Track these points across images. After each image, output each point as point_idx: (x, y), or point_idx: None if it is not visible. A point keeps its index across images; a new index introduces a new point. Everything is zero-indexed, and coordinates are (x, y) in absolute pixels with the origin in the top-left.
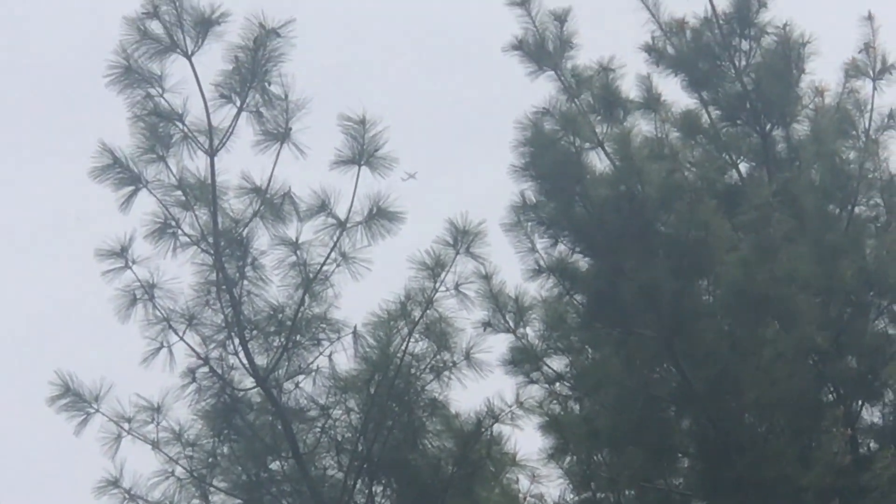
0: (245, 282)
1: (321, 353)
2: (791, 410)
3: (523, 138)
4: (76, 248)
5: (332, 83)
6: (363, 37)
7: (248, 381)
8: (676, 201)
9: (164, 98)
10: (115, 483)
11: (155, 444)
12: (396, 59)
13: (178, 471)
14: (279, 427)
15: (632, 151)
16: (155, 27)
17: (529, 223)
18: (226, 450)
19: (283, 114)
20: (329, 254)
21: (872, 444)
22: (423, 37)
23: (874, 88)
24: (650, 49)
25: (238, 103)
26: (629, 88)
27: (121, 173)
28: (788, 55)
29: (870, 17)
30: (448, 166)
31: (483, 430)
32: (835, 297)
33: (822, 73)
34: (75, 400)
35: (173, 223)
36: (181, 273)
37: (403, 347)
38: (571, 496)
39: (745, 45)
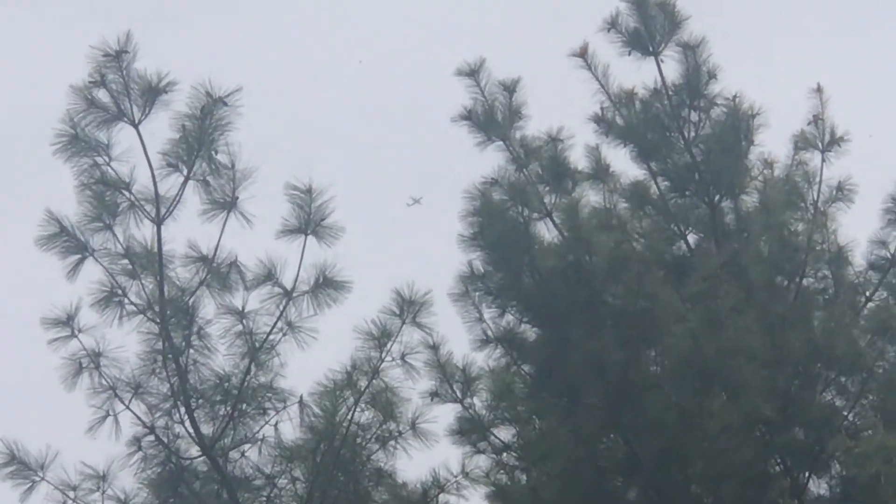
0: (191, 350)
1: (267, 422)
2: (738, 482)
3: (472, 208)
4: (23, 316)
5: (281, 148)
6: (314, 103)
7: (194, 450)
8: (624, 272)
9: (111, 167)
10: None
11: None
12: (346, 127)
13: None
14: (225, 496)
15: (580, 222)
16: (102, 96)
17: (477, 293)
18: None
19: (230, 182)
20: (275, 323)
21: None
22: (374, 104)
23: (823, 160)
24: (599, 120)
25: (185, 172)
26: (578, 159)
27: (67, 242)
28: (738, 127)
29: (819, 90)
30: (396, 235)
31: (429, 500)
32: (782, 369)
33: (772, 145)
34: (21, 468)
35: (120, 292)
36: (127, 342)
37: (349, 417)
38: None
39: (694, 116)
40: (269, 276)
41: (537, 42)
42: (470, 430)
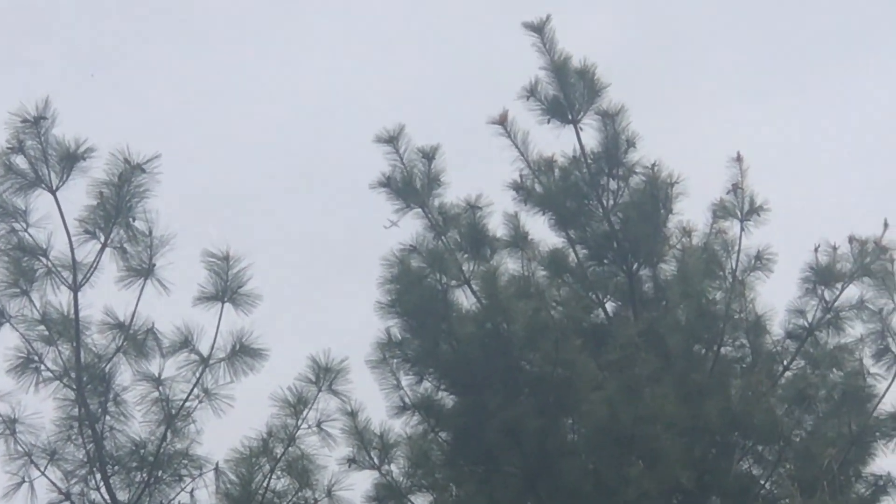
0: (107, 417)
1: (183, 490)
2: None
3: (390, 275)
4: None
5: (200, 213)
6: (233, 167)
7: None
8: (542, 340)
9: (28, 233)
10: None
11: None
12: (265, 191)
13: None
14: None
15: (498, 289)
16: (20, 162)
17: (395, 360)
18: None
19: (147, 250)
20: (191, 390)
21: None
22: (294, 168)
23: (742, 229)
24: (518, 187)
25: (102, 239)
26: (497, 226)
27: None
28: (656, 195)
29: (738, 158)
30: (313, 302)
31: None
32: (700, 437)
33: (690, 213)
34: None
35: (36, 358)
36: (43, 408)
37: (265, 484)
38: None
39: (613, 184)
40: (185, 343)
41: (458, 108)
42: (387, 497)
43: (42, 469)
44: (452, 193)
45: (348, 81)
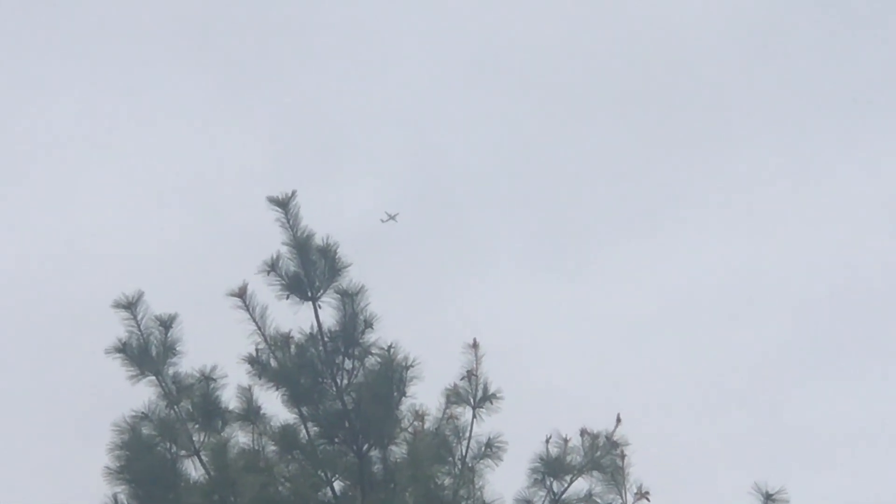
0: None
1: None
2: None
3: (120, 441)
4: None
5: None
6: None
7: None
8: None
9: None
10: None
11: None
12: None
13: None
14: None
15: (227, 462)
16: None
17: None
18: None
19: None
20: None
21: None
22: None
23: (474, 416)
24: (254, 361)
25: None
26: (230, 399)
27: None
28: (391, 377)
29: (474, 345)
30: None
31: None
32: None
33: (424, 398)
34: None
35: None
36: None
37: None
38: None
39: (348, 363)
40: None
41: (198, 278)
42: None
43: None
44: (188, 363)
45: (90, 243)
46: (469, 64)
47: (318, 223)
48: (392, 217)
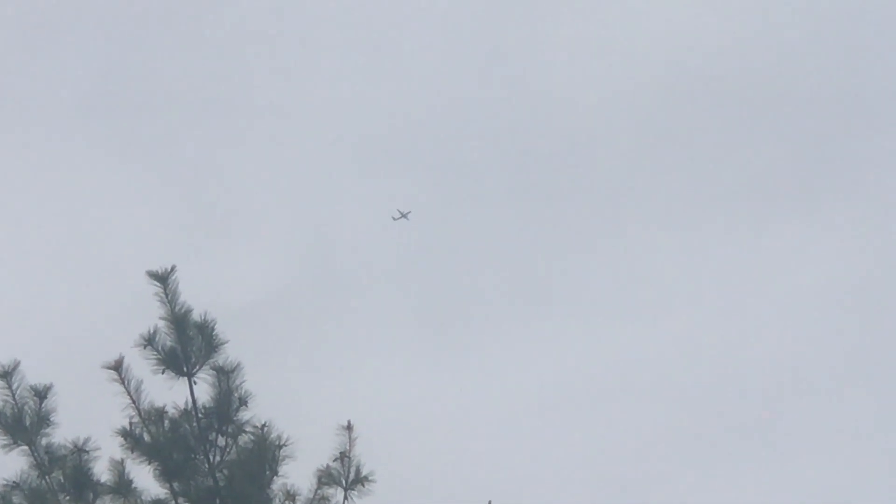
0: None
1: None
2: None
3: None
4: None
5: None
6: None
7: None
8: None
9: None
10: None
11: None
12: None
13: None
14: None
15: None
16: None
17: None
18: None
19: None
20: None
21: None
22: None
23: (346, 497)
24: (127, 434)
25: None
26: (102, 471)
27: None
28: (264, 456)
29: (348, 427)
30: None
31: None
32: None
33: (296, 478)
34: None
35: None
36: None
37: None
38: None
39: (221, 440)
40: None
41: (76, 348)
42: None
43: None
44: (61, 434)
45: None
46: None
47: (205, 295)
48: (404, 215)
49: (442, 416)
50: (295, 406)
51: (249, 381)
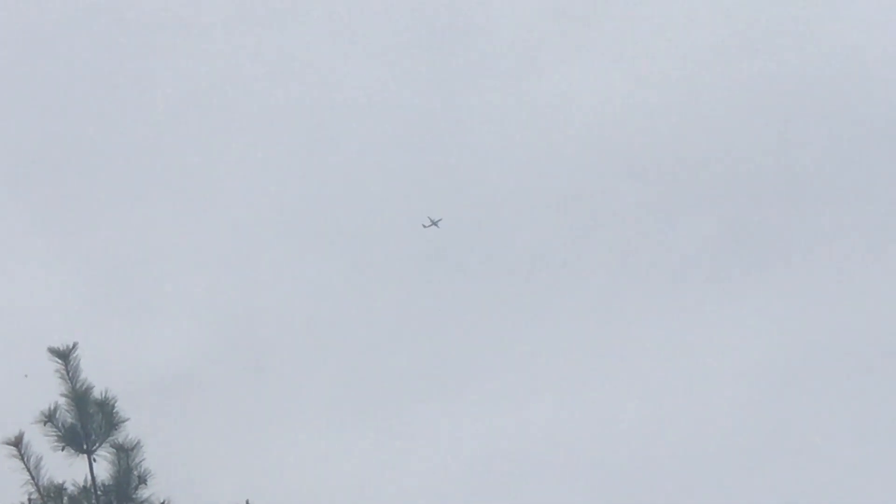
0: None
1: None
2: None
3: None
4: None
5: None
6: None
7: None
8: None
9: None
10: None
11: None
12: None
13: None
14: None
15: None
16: None
17: None
18: None
19: None
20: None
21: None
22: None
23: None
24: None
25: None
26: None
27: None
28: None
29: None
30: None
31: None
32: None
33: None
34: None
35: None
36: None
37: None
38: None
39: None
40: None
41: None
42: None
43: None
44: None
45: None
46: (279, 215)
47: (112, 370)
48: (434, 223)
49: (354, 495)
50: (198, 484)
51: (151, 459)
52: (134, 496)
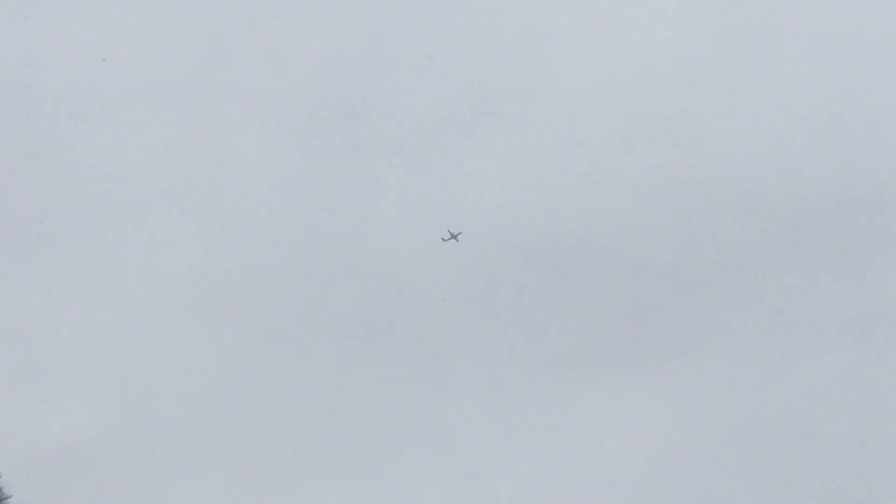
0: None
1: None
2: None
3: None
4: None
5: None
6: None
7: None
8: None
9: None
10: None
11: None
12: None
13: None
14: None
15: None
16: None
17: None
18: None
19: None
20: None
21: None
22: None
23: None
24: None
25: None
26: None
27: None
28: None
29: None
30: None
31: None
32: None
33: None
34: None
35: None
36: None
37: None
38: None
39: None
40: None
41: None
42: None
43: None
44: None
45: None
46: (178, 290)
47: (4, 442)
48: (454, 236)
49: None
50: None
51: None
52: None
